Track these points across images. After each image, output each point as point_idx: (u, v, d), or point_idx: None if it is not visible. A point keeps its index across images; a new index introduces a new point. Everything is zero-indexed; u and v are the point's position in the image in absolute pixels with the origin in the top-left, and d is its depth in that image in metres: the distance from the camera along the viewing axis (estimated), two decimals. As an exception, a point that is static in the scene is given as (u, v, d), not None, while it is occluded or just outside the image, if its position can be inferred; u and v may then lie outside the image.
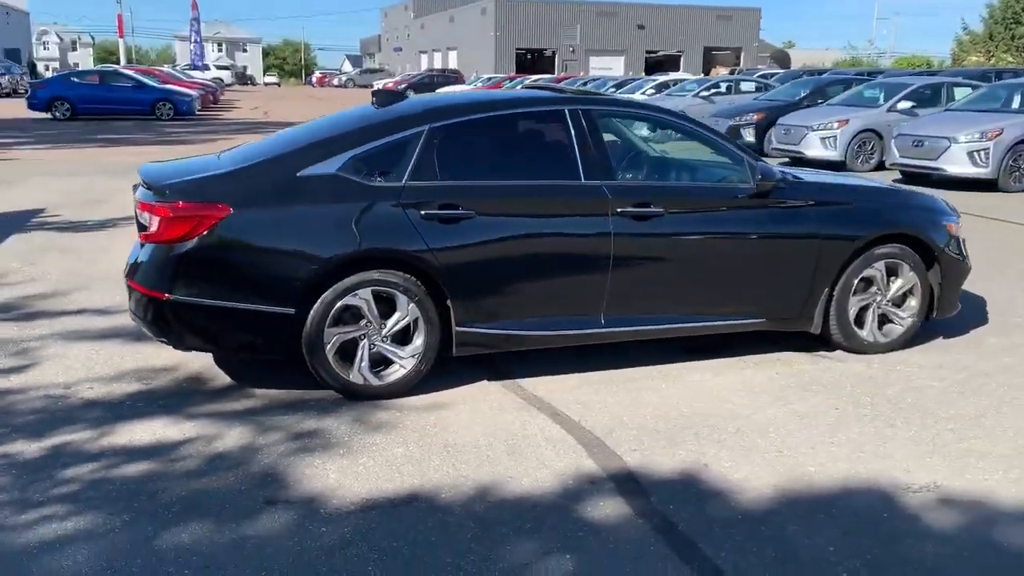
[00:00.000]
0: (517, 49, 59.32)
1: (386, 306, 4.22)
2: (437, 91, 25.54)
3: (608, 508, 3.28)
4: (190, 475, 3.46)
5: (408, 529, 3.09)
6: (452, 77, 47.41)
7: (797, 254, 4.79)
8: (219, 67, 61.01)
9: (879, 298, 5.03)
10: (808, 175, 5.26)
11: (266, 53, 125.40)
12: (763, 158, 5.03)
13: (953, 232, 5.18)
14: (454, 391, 4.42)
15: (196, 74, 42.29)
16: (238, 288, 4.05)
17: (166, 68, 39.68)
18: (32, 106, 25.31)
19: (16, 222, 8.93)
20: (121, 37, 74.03)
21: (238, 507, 3.22)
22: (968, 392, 4.52)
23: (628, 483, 3.50)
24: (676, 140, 5.67)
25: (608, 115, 4.70)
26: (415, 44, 76.92)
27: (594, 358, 4.81)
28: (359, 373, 4.22)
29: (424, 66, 67.20)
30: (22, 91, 36.48)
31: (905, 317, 5.11)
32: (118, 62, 60.25)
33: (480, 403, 4.28)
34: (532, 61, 59.51)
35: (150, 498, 3.26)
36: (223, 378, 4.54)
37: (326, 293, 4.09)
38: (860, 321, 5.03)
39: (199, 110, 28.69)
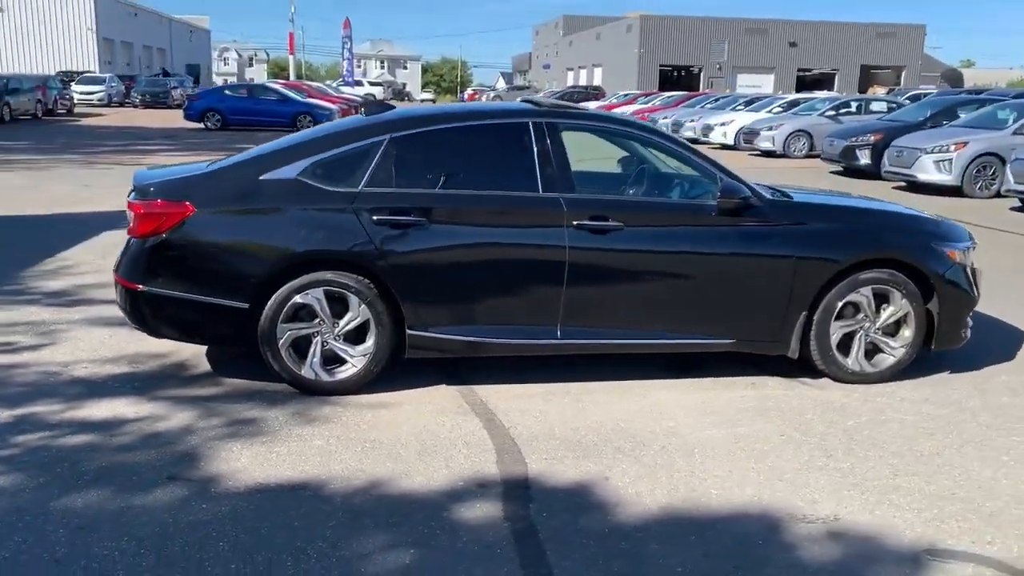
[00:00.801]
0: (661, 66, 58.83)
1: (340, 306, 4.43)
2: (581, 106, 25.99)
3: (481, 511, 3.34)
4: (119, 449, 3.78)
5: (279, 513, 3.27)
6: (593, 93, 47.56)
7: (768, 275, 4.65)
8: (373, 83, 63.75)
9: (867, 325, 4.80)
10: (801, 195, 5.08)
11: (425, 70, 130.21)
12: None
13: (957, 259, 4.87)
14: (406, 392, 4.56)
15: (347, 89, 44.44)
16: (201, 282, 4.36)
17: (315, 84, 41.86)
18: (187, 117, 27.43)
19: (117, 220, 9.78)
20: (291, 54, 78.54)
21: (142, 480, 3.49)
22: (938, 430, 4.25)
23: (517, 489, 3.54)
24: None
25: (572, 128, 4.72)
26: (563, 61, 77.72)
27: (564, 370, 4.84)
28: (311, 369, 4.44)
29: (570, 83, 67.71)
30: (191, 104, 39.51)
31: (896, 347, 4.84)
32: (288, 77, 64.24)
33: (425, 405, 4.41)
34: (677, 78, 58.85)
35: (72, 466, 3.59)
36: (204, 367, 4.87)
37: (280, 290, 4.34)
38: (847, 348, 4.81)
39: (338, 122, 30.14)
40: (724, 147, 22.42)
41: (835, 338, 4.78)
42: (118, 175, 12.66)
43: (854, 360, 4.82)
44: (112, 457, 3.70)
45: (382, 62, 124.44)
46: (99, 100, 39.98)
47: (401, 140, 4.56)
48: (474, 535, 3.16)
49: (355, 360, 4.47)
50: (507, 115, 4.83)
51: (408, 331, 4.48)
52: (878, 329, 4.82)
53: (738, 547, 3.13)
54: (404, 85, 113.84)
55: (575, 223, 4.47)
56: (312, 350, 4.44)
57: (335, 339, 4.45)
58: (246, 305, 4.33)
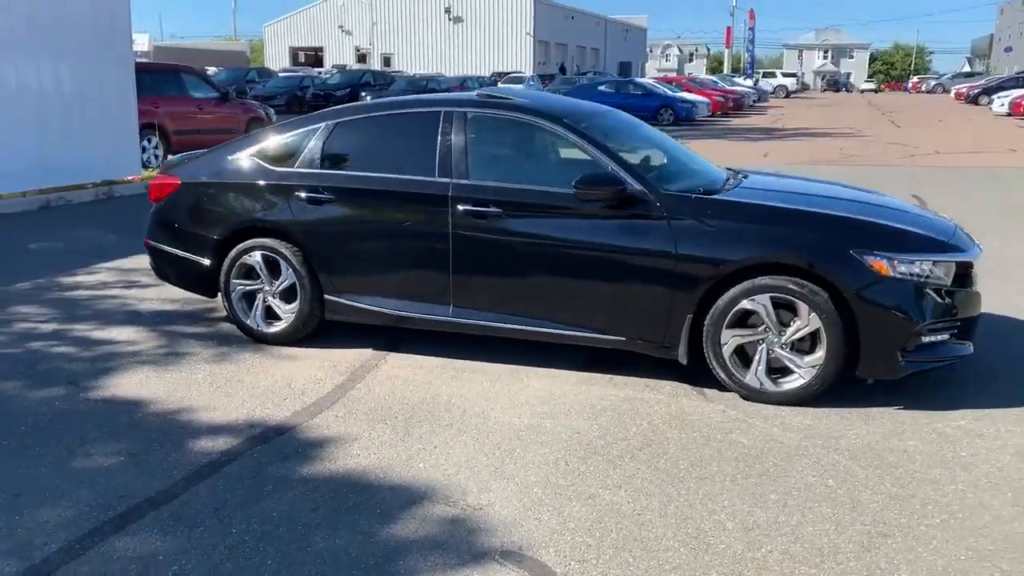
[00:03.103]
0: None
1: (276, 269, 5.20)
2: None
3: (211, 443, 3.91)
4: (79, 355, 5.00)
5: (58, 403, 4.18)
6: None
7: (648, 272, 4.41)
8: (786, 75, 61.60)
9: (771, 337, 4.29)
10: (757, 189, 4.68)
11: (873, 59, 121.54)
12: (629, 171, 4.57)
13: (885, 271, 4.10)
14: (331, 351, 5.16)
15: (742, 81, 43.84)
16: (183, 240, 5.44)
17: (706, 77, 41.92)
18: (561, 111, 29.58)
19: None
20: (728, 47, 79.00)
21: (51, 377, 4.65)
22: (760, 463, 3.76)
23: (270, 433, 4.03)
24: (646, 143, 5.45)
25: (479, 117, 4.88)
26: (1029, 44, 67.25)
27: (494, 350, 5.02)
28: (254, 320, 5.29)
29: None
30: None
31: (804, 368, 4.25)
32: (723, 71, 65.09)
33: (323, 362, 4.99)
34: None
35: (31, 361, 4.89)
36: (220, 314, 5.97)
37: (232, 252, 5.25)
38: (751, 361, 4.36)
39: (708, 115, 30.31)
40: None
41: (728, 348, 4.35)
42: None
43: (754, 376, 4.33)
44: (67, 358, 4.92)
45: (826, 52, 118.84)
46: (516, 97, 44.41)
47: (337, 127, 5.18)
48: (186, 458, 3.76)
49: (286, 316, 5.22)
50: (426, 105, 5.17)
51: (325, 295, 5.10)
52: (785, 344, 4.27)
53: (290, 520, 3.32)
54: (848, 75, 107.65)
55: (460, 207, 4.70)
56: (256, 304, 5.28)
57: (272, 296, 5.23)
58: (208, 262, 5.32)
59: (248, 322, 5.29)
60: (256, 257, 5.19)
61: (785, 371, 4.33)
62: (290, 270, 5.11)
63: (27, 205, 10.30)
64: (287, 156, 5.21)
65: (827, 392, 4.27)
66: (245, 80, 34.28)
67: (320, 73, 39.34)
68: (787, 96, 56.05)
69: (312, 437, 3.99)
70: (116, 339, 5.36)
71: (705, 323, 4.36)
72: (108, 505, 3.34)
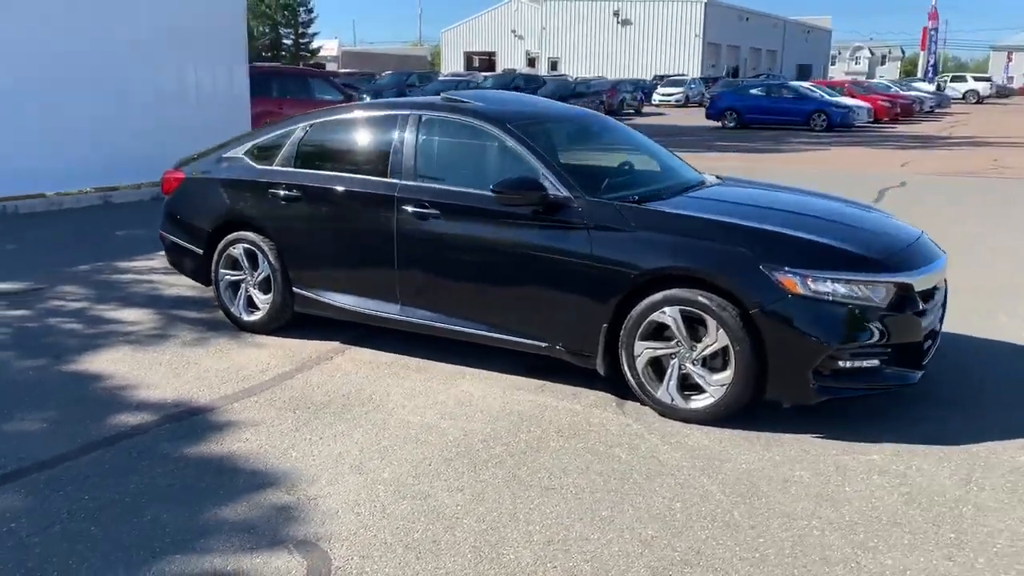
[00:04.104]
0: None
1: (254, 261, 5.52)
2: None
3: (122, 419, 4.24)
4: (81, 331, 5.53)
5: (32, 372, 4.64)
6: None
7: (564, 278, 4.35)
8: (978, 78, 56.81)
9: (683, 352, 4.13)
10: (701, 196, 4.56)
11: None
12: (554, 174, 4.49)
13: (795, 289, 3.85)
14: (301, 342, 5.42)
15: (922, 86, 40.97)
16: (184, 230, 5.86)
17: (878, 81, 39.43)
18: (708, 115, 28.96)
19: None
20: (923, 50, 74.51)
21: (43, 349, 5.16)
22: (623, 488, 3.64)
23: (184, 416, 4.31)
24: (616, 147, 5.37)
25: (434, 120, 4.96)
26: None
27: (442, 349, 5.10)
28: (238, 308, 5.63)
29: None
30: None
31: (713, 386, 4.07)
32: (916, 74, 61.22)
33: (286, 351, 5.25)
34: None
35: (38, 334, 5.45)
36: (235, 300, 6.37)
37: (220, 243, 5.62)
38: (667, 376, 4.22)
39: (869, 121, 28.68)
40: None
41: (641, 360, 4.22)
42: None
43: (665, 391, 4.19)
44: (63, 330, 5.46)
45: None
46: (676, 101, 43.71)
47: (312, 127, 5.43)
48: (98, 430, 4.11)
49: (262, 306, 5.52)
50: (389, 107, 5.31)
51: (294, 288, 5.37)
52: (696, 360, 4.10)
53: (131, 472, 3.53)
54: None
55: (404, 208, 4.83)
56: (239, 293, 5.62)
57: (252, 287, 5.56)
58: (201, 251, 5.72)
59: (232, 310, 5.63)
60: (238, 250, 5.52)
61: (699, 388, 4.14)
62: (266, 263, 5.40)
63: (142, 196, 11.32)
64: (270, 155, 5.51)
65: (761, 414, 4.06)
66: (405, 84, 35.73)
67: (484, 77, 40.31)
68: (978, 101, 51.84)
69: (220, 420, 4.23)
70: (123, 320, 5.86)
71: (621, 334, 4.25)
72: (1, 465, 3.70)
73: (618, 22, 59.95)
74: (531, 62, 64.35)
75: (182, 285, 6.74)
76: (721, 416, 4.07)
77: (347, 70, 52.42)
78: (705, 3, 58.00)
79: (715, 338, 4.00)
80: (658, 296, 4.11)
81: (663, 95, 44.07)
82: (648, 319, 4.15)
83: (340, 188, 5.11)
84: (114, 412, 4.30)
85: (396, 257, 4.87)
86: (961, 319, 5.60)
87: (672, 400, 4.17)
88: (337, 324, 5.41)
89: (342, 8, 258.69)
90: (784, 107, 27.32)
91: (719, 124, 28.15)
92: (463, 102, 5.05)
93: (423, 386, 4.67)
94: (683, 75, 50.07)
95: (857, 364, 3.94)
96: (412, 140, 4.93)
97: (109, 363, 5.00)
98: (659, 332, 4.18)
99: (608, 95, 35.27)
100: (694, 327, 4.08)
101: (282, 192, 5.28)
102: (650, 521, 3.25)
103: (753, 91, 28.76)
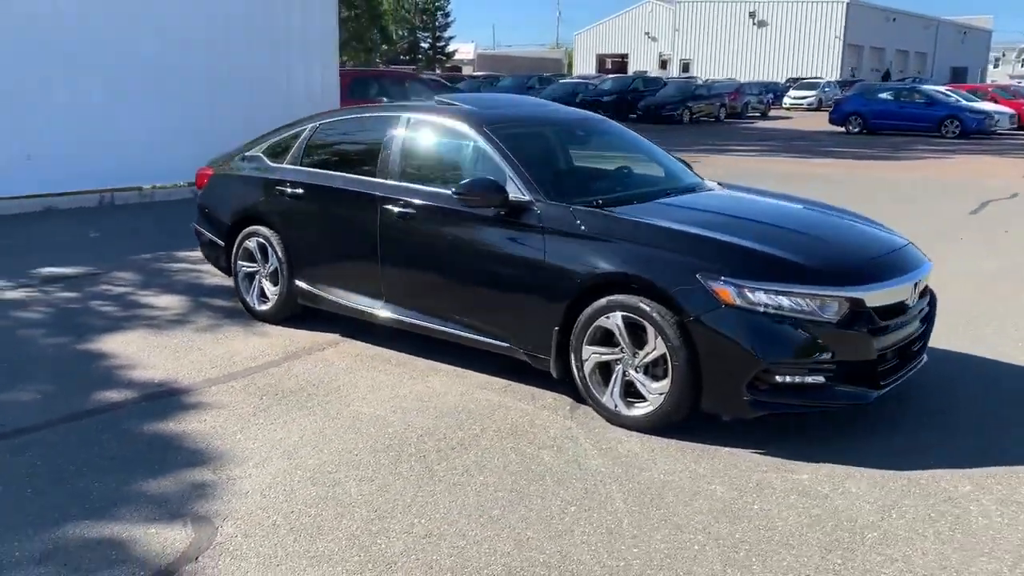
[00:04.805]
0: None
1: (265, 255, 5.82)
2: None
3: (105, 395, 4.58)
4: (113, 313, 5.98)
5: (51, 349, 5.06)
6: None
7: (524, 281, 4.39)
8: None
9: (627, 358, 4.10)
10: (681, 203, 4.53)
11: None
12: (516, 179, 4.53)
13: (729, 299, 3.75)
14: (304, 333, 5.66)
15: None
16: (210, 223, 6.24)
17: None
18: (832, 120, 27.78)
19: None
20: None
21: (72, 328, 5.62)
22: (527, 489, 3.67)
23: (160, 392, 4.62)
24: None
25: (420, 122, 5.06)
26: None
27: (428, 346, 5.20)
28: (252, 298, 5.94)
29: None
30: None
31: (652, 394, 4.02)
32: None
33: (284, 341, 5.50)
34: None
35: (74, 314, 5.93)
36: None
37: (239, 237, 5.95)
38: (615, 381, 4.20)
39: (1013, 128, 26.87)
40: None
41: (589, 364, 4.21)
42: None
43: (609, 396, 4.16)
44: (92, 309, 5.93)
45: None
46: (808, 105, 42.10)
47: (320, 128, 5.67)
48: (78, 403, 4.47)
49: (272, 297, 5.81)
50: (385, 109, 5.46)
51: (295, 280, 5.63)
52: (639, 367, 4.06)
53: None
54: None
55: (384, 207, 4.99)
56: (253, 284, 5.93)
57: (263, 279, 5.86)
58: (223, 243, 6.07)
59: (248, 300, 5.95)
60: (252, 244, 5.82)
61: (642, 396, 4.09)
62: (274, 256, 5.69)
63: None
64: (282, 153, 5.79)
65: (713, 426, 4.00)
66: (526, 87, 36.11)
67: (604, 78, 40.19)
68: None
69: (191, 401, 4.51)
70: (154, 305, 6.30)
71: (572, 338, 4.25)
72: (-26, 429, 4.10)
73: (754, 23, 58.31)
74: (663, 64, 63.54)
75: (222, 276, 7.14)
76: (659, 425, 4.01)
77: (481, 73, 53.38)
78: (847, 3, 55.58)
79: (654, 346, 3.94)
80: (603, 301, 4.09)
81: (794, 98, 42.60)
82: (595, 324, 4.14)
83: (335, 186, 5.32)
84: (103, 388, 4.65)
85: (379, 255, 5.02)
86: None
87: (616, 406, 4.13)
88: (342, 317, 5.62)
89: (482, 12, 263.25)
90: (913, 112, 25.87)
91: (843, 129, 26.98)
92: (450, 104, 5.16)
93: (393, 380, 4.81)
94: (818, 78, 48.19)
95: (798, 380, 3.79)
96: (399, 141, 5.08)
97: (122, 344, 5.39)
98: (608, 337, 4.15)
99: (731, 97, 34.45)
100: (638, 334, 4.03)
101: (288, 190, 5.55)
102: (535, 523, 3.26)
103: (881, 95, 27.34)
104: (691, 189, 5.07)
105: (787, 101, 42.51)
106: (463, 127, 4.88)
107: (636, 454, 3.86)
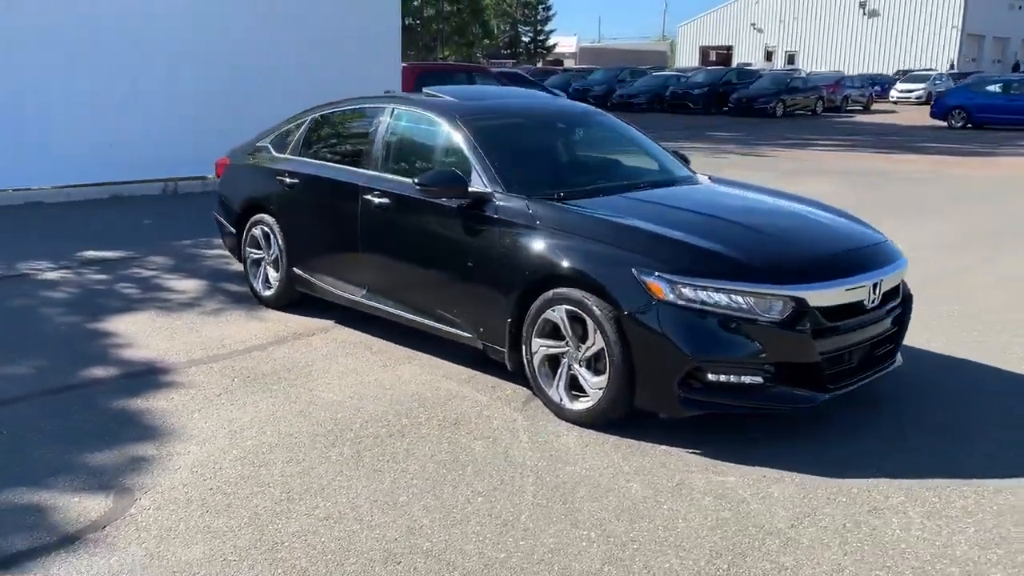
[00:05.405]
0: None
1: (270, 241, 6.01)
2: None
3: (95, 372, 4.83)
4: (132, 295, 6.30)
5: (63, 327, 5.37)
6: None
7: (482, 273, 4.41)
8: None
9: (572, 352, 4.07)
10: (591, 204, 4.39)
11: None
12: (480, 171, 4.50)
13: (661, 294, 3.67)
14: (301, 319, 5.83)
15: None
16: (226, 210, 6.48)
17: None
18: (932, 114, 26.45)
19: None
20: None
21: (89, 307, 5.95)
22: (445, 478, 3.68)
23: (148, 374, 4.84)
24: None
25: (402, 113, 5.11)
26: None
27: (415, 336, 5.26)
28: (258, 284, 6.15)
29: None
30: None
31: (592, 389, 3.97)
32: None
33: (279, 326, 5.66)
34: None
35: (95, 295, 6.28)
36: (282, 278, 6.93)
37: (247, 224, 6.17)
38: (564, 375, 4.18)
39: None
40: None
41: (538, 357, 4.20)
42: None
43: (555, 390, 4.14)
44: (114, 290, 6.25)
45: None
46: (916, 98, 40.11)
47: (317, 119, 5.81)
48: (67, 378, 4.74)
49: (274, 283, 6.00)
50: (374, 101, 5.51)
51: (293, 268, 5.79)
52: (582, 361, 4.02)
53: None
54: None
55: (366, 197, 5.08)
56: (259, 270, 6.14)
57: (267, 266, 6.05)
58: (234, 230, 6.30)
59: (255, 285, 6.16)
60: (257, 231, 6.03)
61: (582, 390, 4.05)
62: (275, 243, 5.87)
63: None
64: (285, 144, 5.96)
65: (661, 424, 3.95)
66: (617, 80, 35.81)
67: (699, 70, 39.43)
68: None
69: (166, 380, 4.71)
70: (173, 288, 6.59)
71: (524, 331, 4.24)
72: (-40, 397, 4.39)
73: (864, 14, 55.98)
74: (768, 56, 61.79)
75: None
76: (599, 420, 3.95)
77: (578, 67, 53.19)
78: (966, -10, 52.75)
79: (594, 340, 3.90)
80: (550, 294, 4.07)
81: (902, 91, 40.65)
82: (543, 316, 4.12)
83: (324, 176, 5.45)
84: (92, 365, 4.91)
85: (360, 244, 5.12)
86: None
87: (560, 400, 4.10)
88: (339, 305, 5.72)
89: (589, 5, 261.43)
90: (1020, 105, 24.35)
91: (945, 124, 25.66)
92: (433, 96, 5.20)
93: (364, 366, 4.90)
94: (929, 70, 45.92)
95: (734, 380, 3.67)
96: (382, 132, 5.16)
97: (128, 324, 5.66)
98: (556, 331, 4.12)
99: (829, 90, 33.26)
100: (583, 328, 3.99)
101: (286, 179, 5.71)
102: (436, 511, 3.28)
103: (988, 87, 25.84)
104: (674, 183, 4.96)
105: (894, 94, 40.68)
106: (438, 118, 4.92)
107: (568, 448, 3.83)
